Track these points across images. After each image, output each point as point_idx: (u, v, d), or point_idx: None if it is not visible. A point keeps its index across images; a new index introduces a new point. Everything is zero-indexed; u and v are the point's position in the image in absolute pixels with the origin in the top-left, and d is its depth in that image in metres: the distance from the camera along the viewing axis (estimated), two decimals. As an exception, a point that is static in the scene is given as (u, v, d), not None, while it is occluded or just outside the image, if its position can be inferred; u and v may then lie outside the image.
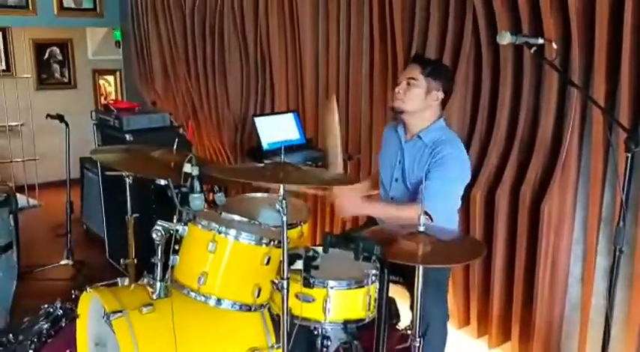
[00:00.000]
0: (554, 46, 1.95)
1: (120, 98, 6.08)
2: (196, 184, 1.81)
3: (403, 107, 2.19)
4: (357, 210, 2.26)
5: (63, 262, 3.65)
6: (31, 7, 5.01)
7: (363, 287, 1.77)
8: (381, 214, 2.24)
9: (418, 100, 2.17)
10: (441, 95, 2.19)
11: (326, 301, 1.73)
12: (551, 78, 2.27)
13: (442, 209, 2.02)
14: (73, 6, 5.23)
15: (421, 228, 1.71)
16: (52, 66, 5.89)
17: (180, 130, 3.77)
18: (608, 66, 2.07)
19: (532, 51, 1.85)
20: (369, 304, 1.79)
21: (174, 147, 2.18)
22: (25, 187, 5.32)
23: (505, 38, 1.81)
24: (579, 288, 2.36)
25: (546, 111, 2.30)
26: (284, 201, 1.63)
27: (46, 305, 2.77)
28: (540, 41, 1.85)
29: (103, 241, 3.80)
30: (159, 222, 1.87)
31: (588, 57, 2.15)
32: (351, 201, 2.20)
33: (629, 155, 1.63)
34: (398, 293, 2.19)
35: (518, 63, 2.39)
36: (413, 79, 2.17)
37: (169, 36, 4.67)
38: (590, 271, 2.28)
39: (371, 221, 2.48)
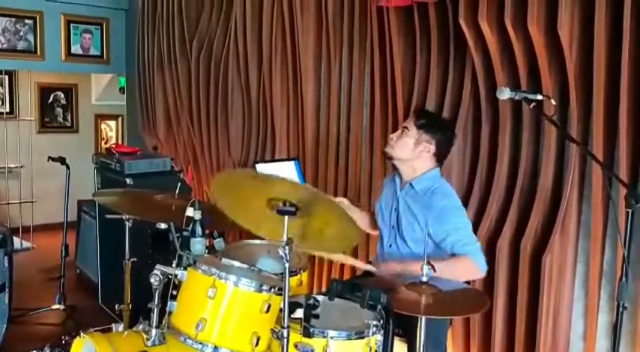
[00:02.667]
0: (553, 102, 2.00)
1: (121, 143, 6.13)
2: (198, 228, 1.81)
3: (392, 153, 2.31)
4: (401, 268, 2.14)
5: (54, 306, 3.57)
6: (39, 53, 5.12)
7: (363, 338, 1.74)
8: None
9: (407, 149, 2.27)
10: (432, 148, 2.26)
11: (326, 352, 1.69)
12: (550, 131, 2.30)
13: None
14: (80, 52, 5.35)
15: (424, 279, 1.70)
16: (56, 109, 5.98)
17: (181, 175, 3.79)
18: (606, 121, 2.11)
19: (531, 106, 1.89)
20: (370, 356, 1.75)
21: (177, 191, 2.19)
22: (20, 229, 5.28)
23: (504, 93, 1.86)
24: (582, 346, 2.31)
25: (546, 164, 2.33)
26: (287, 247, 1.62)
27: (34, 351, 2.71)
28: (539, 97, 1.90)
29: (96, 286, 3.75)
30: (158, 267, 1.84)
31: (587, 112, 2.20)
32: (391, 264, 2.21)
33: (630, 211, 1.64)
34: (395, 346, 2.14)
35: (517, 115, 2.44)
36: (406, 128, 2.29)
37: (174, 84, 4.76)
38: (593, 328, 2.24)
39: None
